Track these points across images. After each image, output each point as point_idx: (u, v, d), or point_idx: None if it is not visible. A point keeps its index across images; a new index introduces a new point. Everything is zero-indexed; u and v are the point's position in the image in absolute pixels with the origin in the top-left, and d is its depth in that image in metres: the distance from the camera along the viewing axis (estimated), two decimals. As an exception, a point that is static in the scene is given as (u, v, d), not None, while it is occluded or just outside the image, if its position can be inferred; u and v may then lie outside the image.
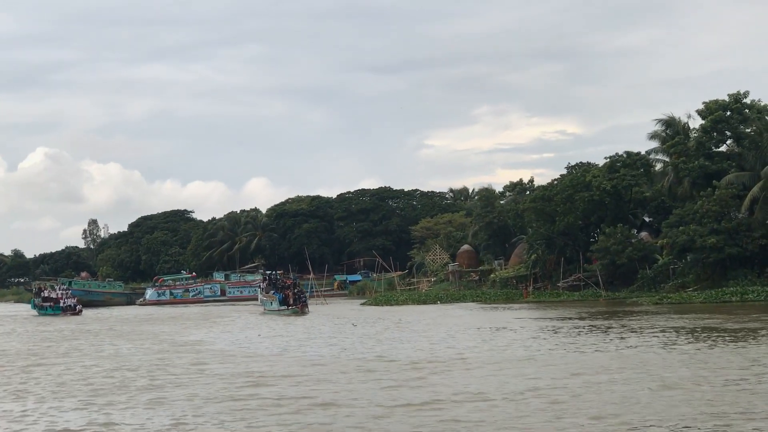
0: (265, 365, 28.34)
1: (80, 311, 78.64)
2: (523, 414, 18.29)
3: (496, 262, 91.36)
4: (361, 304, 78.70)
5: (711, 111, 63.51)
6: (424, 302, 75.76)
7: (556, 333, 36.71)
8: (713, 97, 64.86)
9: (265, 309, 68.42)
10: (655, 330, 36.01)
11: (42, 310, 79.67)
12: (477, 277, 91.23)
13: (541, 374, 23.77)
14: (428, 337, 37.68)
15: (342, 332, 42.78)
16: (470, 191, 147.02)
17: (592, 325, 40.26)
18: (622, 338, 32.93)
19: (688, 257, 61.74)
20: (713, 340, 30.64)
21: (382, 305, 75.09)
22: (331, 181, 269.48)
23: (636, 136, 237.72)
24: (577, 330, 37.85)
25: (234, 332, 46.39)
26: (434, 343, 34.17)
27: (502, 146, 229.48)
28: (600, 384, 21.63)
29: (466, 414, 18.49)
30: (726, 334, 32.66)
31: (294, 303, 64.58)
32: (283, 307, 64.41)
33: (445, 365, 26.74)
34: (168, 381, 25.06)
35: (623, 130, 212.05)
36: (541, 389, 21.14)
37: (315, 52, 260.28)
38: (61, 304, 79.15)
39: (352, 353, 31.37)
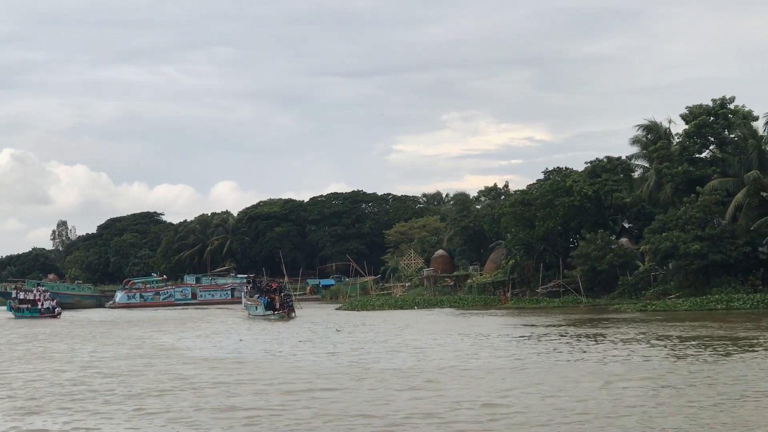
0: (255, 372, 27.19)
1: (59, 314, 76.69)
2: (539, 424, 17.34)
3: (471, 267, 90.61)
4: (336, 309, 77.62)
5: (695, 116, 62.96)
6: (401, 307, 74.79)
7: (549, 341, 35.79)
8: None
9: (249, 314, 66.80)
10: (651, 338, 35.18)
11: (18, 313, 77.73)
12: (452, 283, 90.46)
13: (546, 382, 22.80)
14: (415, 343, 36.65)
15: (328, 337, 41.78)
16: (443, 196, 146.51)
17: (583, 333, 39.37)
18: (624, 347, 32.06)
19: (671, 264, 61.02)
20: (716, 350, 29.80)
21: (359, 310, 74.10)
22: (299, 185, 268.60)
23: (605, 144, 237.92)
24: (570, 337, 36.96)
25: (216, 337, 45.19)
26: (424, 350, 33.15)
27: (470, 152, 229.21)
28: (615, 395, 20.70)
29: (473, 426, 17.51)
30: (728, 343, 31.82)
31: (281, 308, 63.12)
32: (269, 312, 62.83)
33: (441, 373, 25.72)
34: (152, 389, 23.90)
35: (592, 137, 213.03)
36: (549, 398, 20.17)
37: (285, 55, 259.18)
38: (39, 307, 77.31)
39: (344, 359, 30.29)
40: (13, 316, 77.21)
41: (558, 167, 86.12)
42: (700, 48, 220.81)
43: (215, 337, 45.33)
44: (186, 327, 55.48)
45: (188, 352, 35.49)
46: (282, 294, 65.36)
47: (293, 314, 63.07)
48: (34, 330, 56.42)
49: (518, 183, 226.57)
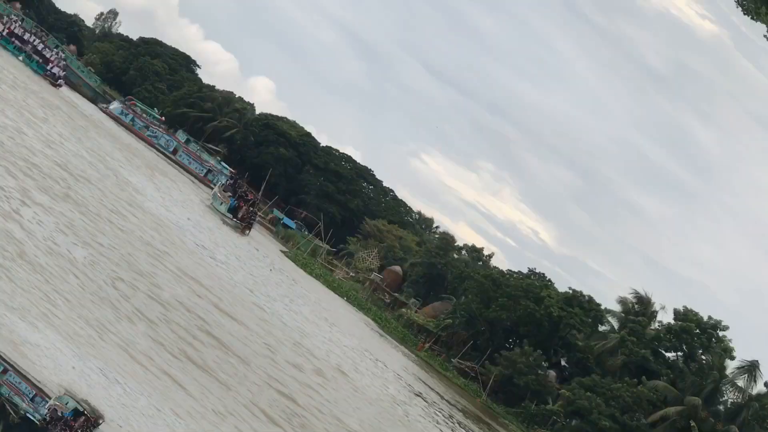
0: (185, 259, 26.79)
1: (60, 85, 75.98)
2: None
3: (413, 300, 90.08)
4: (281, 251, 77.20)
5: (686, 319, 62.86)
6: (334, 290, 74.46)
7: (435, 411, 35.52)
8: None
9: (212, 204, 66.12)
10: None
11: (29, 60, 76.63)
12: (388, 300, 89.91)
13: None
14: (328, 333, 36.35)
15: (259, 269, 41.50)
16: (434, 226, 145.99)
17: (466, 426, 39.11)
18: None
19: (574, 422, 60.70)
20: None
21: (299, 266, 73.85)
22: (320, 125, 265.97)
23: (590, 282, 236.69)
24: (454, 422, 36.71)
25: (174, 204, 44.81)
26: (331, 343, 32.84)
27: (479, 206, 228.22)
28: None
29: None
30: None
31: (242, 219, 62.41)
32: (229, 215, 62.13)
33: (331, 373, 25.38)
34: (91, 210, 23.46)
35: (584, 269, 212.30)
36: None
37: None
38: (48, 67, 76.39)
39: (259, 298, 29.93)
40: (22, 61, 75.97)
41: (542, 273, 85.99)
42: (725, 258, 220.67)
43: (173, 204, 44.94)
44: (155, 176, 54.99)
45: (141, 199, 35.06)
46: (250, 208, 64.80)
47: (248, 232, 62.47)
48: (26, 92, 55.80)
49: (500, 261, 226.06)
